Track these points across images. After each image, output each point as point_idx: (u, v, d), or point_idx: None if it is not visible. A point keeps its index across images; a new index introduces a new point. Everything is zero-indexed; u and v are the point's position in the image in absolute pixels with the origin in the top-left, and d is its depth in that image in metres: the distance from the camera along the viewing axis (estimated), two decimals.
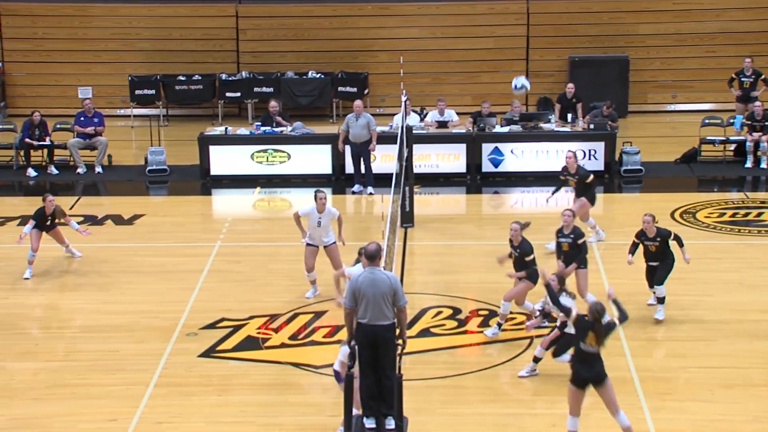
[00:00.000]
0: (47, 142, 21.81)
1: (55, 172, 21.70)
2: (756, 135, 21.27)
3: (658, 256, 14.19)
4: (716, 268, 15.93)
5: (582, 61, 24.98)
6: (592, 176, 17.03)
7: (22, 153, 21.85)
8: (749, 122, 21.47)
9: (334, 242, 15.19)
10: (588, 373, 10.95)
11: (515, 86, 20.67)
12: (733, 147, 22.01)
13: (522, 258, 13.93)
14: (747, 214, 18.59)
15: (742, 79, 22.90)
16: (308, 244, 15.19)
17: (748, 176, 21.14)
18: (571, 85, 22.51)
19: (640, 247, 14.32)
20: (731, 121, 22.19)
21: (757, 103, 21.67)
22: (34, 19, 25.64)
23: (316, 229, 15.08)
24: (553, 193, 17.34)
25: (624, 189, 20.87)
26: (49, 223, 16.39)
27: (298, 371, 13.30)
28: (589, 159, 20.99)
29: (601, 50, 25.25)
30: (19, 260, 16.27)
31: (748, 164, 21.35)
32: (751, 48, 24.18)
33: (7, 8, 25.62)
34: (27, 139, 21.71)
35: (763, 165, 21.23)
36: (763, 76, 22.79)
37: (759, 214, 18.65)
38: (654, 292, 14.27)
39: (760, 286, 15.37)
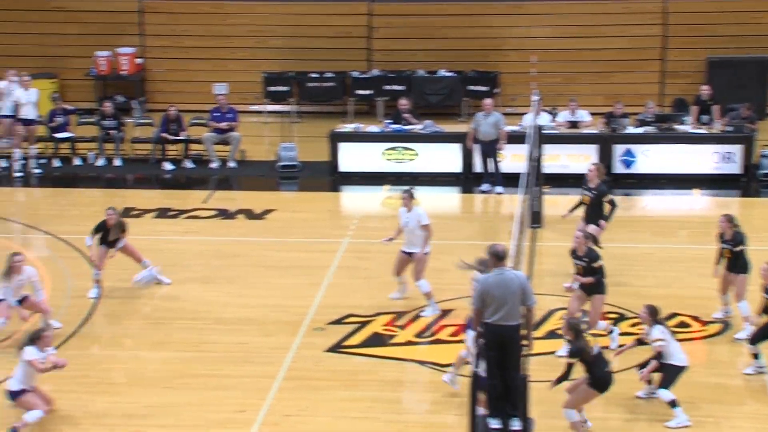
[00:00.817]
0: (183, 137, 22.34)
1: (190, 166, 22.21)
2: None
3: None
4: None
5: (720, 62, 24.38)
6: (610, 197, 15.83)
7: (159, 147, 22.42)
8: None
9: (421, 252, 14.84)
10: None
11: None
12: None
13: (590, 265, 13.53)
14: None
15: None
16: (401, 250, 15.04)
17: None
18: (706, 87, 21.99)
19: None
20: None
21: None
22: (173, 16, 26.28)
23: (405, 230, 14.97)
24: (570, 211, 16.28)
25: (762, 193, 20.29)
26: (113, 239, 15.53)
27: (424, 369, 13.32)
28: (726, 162, 20.49)
29: (741, 51, 24.59)
30: (156, 252, 16.68)
31: None
32: None
33: (149, 6, 26.32)
34: (164, 134, 22.26)
35: None
36: None
37: None
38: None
39: None
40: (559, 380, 11.75)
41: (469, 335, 11.66)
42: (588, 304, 13.58)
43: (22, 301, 13.96)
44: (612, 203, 15.67)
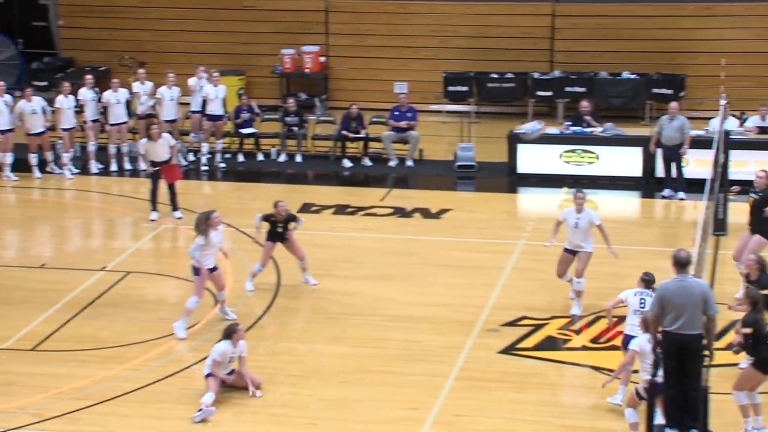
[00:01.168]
0: (363, 135, 22.60)
1: (369, 164, 22.44)
2: None
3: None
4: None
5: None
6: None
7: (339, 144, 22.75)
8: None
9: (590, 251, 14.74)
10: None
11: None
12: None
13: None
14: None
15: None
16: (565, 249, 14.88)
17: None
18: None
19: None
20: None
21: None
22: (358, 15, 26.62)
23: (574, 231, 14.76)
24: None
25: None
26: (281, 230, 15.65)
27: (598, 375, 13.08)
28: None
29: None
30: (333, 249, 16.93)
31: None
32: None
33: (334, 5, 26.74)
34: (344, 131, 22.57)
35: None
36: None
37: None
38: None
39: None
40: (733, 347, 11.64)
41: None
42: None
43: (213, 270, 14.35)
44: None
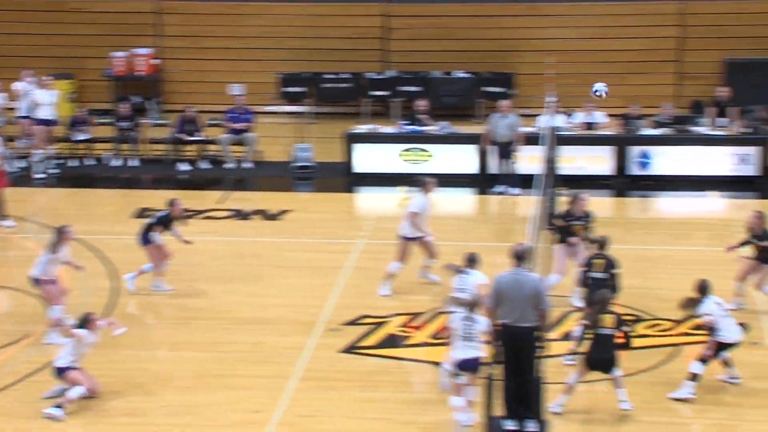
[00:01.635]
0: (199, 138, 22.39)
1: (206, 166, 22.26)
2: None
3: None
4: None
5: (738, 64, 24.31)
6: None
7: (175, 148, 22.48)
8: None
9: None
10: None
11: (595, 91, 18.23)
12: None
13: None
14: None
15: None
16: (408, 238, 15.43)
17: None
18: (724, 88, 21.94)
19: None
20: None
21: None
22: (191, 17, 26.34)
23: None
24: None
25: None
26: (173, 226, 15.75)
27: (439, 370, 13.30)
28: (742, 164, 20.45)
29: (758, 52, 24.50)
30: (173, 253, 16.71)
31: None
32: None
33: (166, 6, 26.38)
34: (180, 134, 22.32)
35: None
36: None
37: None
38: None
39: None
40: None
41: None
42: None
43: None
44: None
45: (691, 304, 12.27)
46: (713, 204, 20.07)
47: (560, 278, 15.17)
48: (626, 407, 11.71)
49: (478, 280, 12.74)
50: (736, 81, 23.31)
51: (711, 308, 12.17)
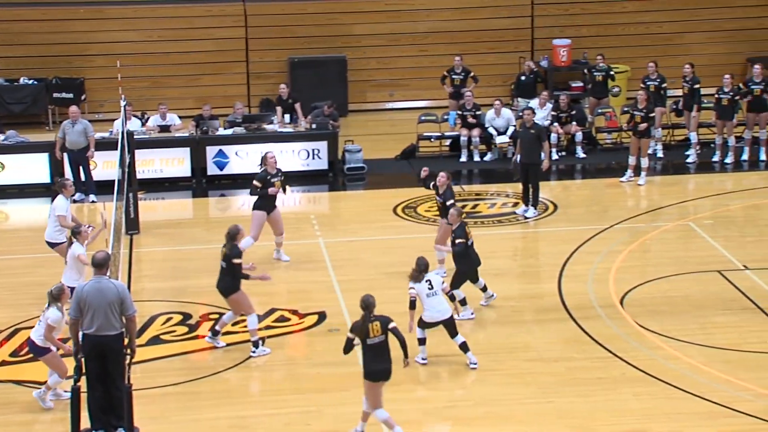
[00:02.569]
0: None
1: None
2: (469, 130, 22.23)
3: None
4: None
5: (301, 62, 25.27)
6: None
7: None
8: (461, 117, 22.40)
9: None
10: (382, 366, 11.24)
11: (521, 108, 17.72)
12: (448, 142, 22.91)
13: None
14: (463, 207, 19.36)
15: (453, 77, 23.84)
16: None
17: (464, 170, 22.05)
18: (283, 85, 22.70)
19: None
20: (445, 117, 23.09)
21: (468, 93, 22.57)
22: None
23: None
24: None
25: (348, 187, 21.28)
26: None
27: (21, 389, 12.76)
28: (313, 158, 21.30)
29: (320, 51, 25.62)
30: None
31: (463, 158, 22.27)
32: (460, 47, 25.21)
33: None
34: None
35: (476, 158, 22.21)
36: (472, 74, 23.81)
37: (475, 206, 19.52)
38: None
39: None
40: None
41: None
42: None
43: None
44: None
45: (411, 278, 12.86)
46: (289, 199, 20.73)
47: (252, 242, 15.78)
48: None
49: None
50: (302, 78, 24.21)
51: (420, 286, 12.83)
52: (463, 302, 14.39)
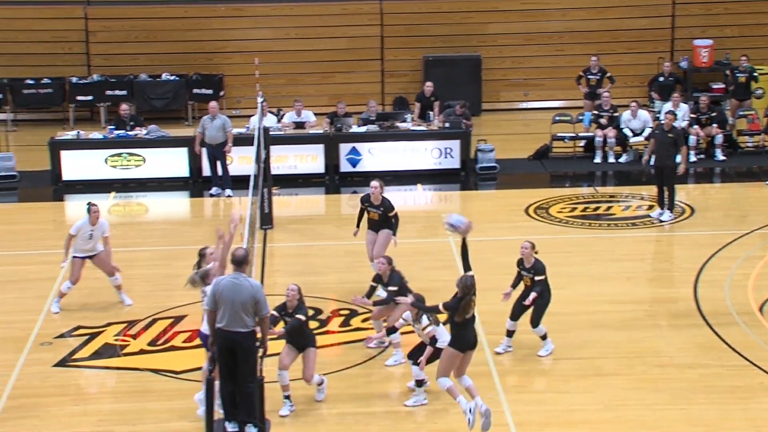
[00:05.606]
0: None
1: None
2: (604, 131, 21.93)
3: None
4: (568, 262, 16.34)
5: (435, 61, 25.30)
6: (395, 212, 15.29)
7: None
8: (597, 117, 22.12)
9: (102, 250, 14.96)
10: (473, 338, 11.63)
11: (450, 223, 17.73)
12: (582, 143, 22.65)
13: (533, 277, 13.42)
14: (597, 209, 19.14)
15: (589, 77, 23.55)
16: (74, 256, 14.91)
17: (598, 171, 21.76)
18: (429, 83, 22.78)
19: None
20: (580, 118, 22.82)
21: (606, 94, 22.29)
22: None
23: (87, 241, 14.84)
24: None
25: (479, 186, 21.23)
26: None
27: (159, 377, 13.11)
28: (445, 157, 21.31)
29: (454, 50, 25.61)
30: None
31: (597, 159, 21.98)
32: (596, 47, 24.90)
33: None
34: None
35: (611, 159, 21.90)
36: (608, 74, 23.48)
37: (608, 208, 19.23)
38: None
39: (608, 278, 15.86)
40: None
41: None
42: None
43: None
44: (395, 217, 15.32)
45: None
46: (420, 197, 20.80)
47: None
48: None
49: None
50: (435, 77, 24.23)
51: (427, 320, 12.29)
52: None
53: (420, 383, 12.29)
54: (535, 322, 13.41)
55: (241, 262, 10.90)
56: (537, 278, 13.30)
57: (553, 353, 13.33)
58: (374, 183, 15.16)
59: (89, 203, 14.94)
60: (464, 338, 11.65)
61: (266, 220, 18.26)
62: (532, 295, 13.20)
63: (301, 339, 12.14)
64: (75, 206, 20.52)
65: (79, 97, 24.61)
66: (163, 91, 24.79)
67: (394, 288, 12.99)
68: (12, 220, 19.20)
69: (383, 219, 15.22)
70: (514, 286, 13.52)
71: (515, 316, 13.51)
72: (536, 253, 13.42)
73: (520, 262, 13.49)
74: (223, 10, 25.55)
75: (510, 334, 13.59)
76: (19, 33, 24.90)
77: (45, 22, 25.02)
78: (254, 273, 15.17)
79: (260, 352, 11.00)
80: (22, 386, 12.83)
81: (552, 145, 22.48)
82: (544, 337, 13.51)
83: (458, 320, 11.59)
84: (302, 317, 12.03)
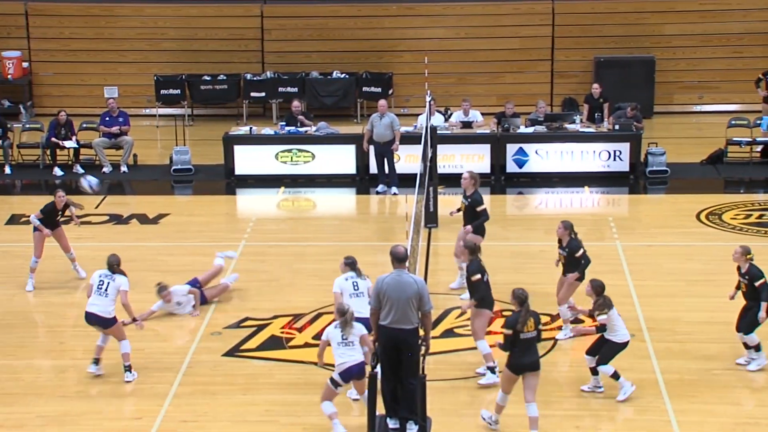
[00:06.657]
0: (73, 141, 21.93)
1: (81, 171, 21.78)
2: None
3: (748, 295, 13.00)
4: None
5: (607, 62, 24.89)
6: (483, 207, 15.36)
7: (48, 152, 21.98)
8: None
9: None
10: (529, 360, 11.31)
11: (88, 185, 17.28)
12: (759, 148, 21.89)
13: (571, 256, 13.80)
14: None
15: None
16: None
17: None
18: (596, 85, 22.45)
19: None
20: (758, 122, 22.07)
21: None
22: (61, 19, 25.79)
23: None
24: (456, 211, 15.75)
25: (649, 190, 20.79)
26: (59, 217, 16.05)
27: (323, 371, 13.30)
28: (614, 160, 20.95)
29: (627, 51, 25.15)
30: (49, 260, 16.31)
31: None
32: None
33: (34, 8, 25.78)
34: (53, 138, 21.83)
35: None
36: None
37: None
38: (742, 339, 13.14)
39: None
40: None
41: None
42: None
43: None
44: (484, 213, 15.40)
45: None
46: (587, 200, 20.50)
47: None
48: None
49: (368, 284, 12.71)
50: (606, 78, 23.84)
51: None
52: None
53: (614, 376, 12.20)
54: (749, 328, 12.88)
55: (402, 259, 10.98)
56: (756, 283, 12.78)
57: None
58: (465, 174, 15.36)
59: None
60: (517, 358, 11.33)
61: (431, 218, 18.30)
62: (764, 305, 12.67)
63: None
64: (246, 200, 21.07)
65: (253, 94, 25.21)
66: (334, 88, 25.15)
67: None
68: (187, 212, 19.81)
69: (470, 212, 15.22)
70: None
71: (745, 329, 12.92)
72: (750, 258, 12.92)
73: (738, 269, 13.03)
74: (395, 9, 25.74)
75: (757, 347, 13.02)
76: (198, 30, 25.67)
77: (224, 20, 25.72)
78: (418, 271, 15.25)
79: (422, 349, 11.03)
80: (194, 373, 13.23)
81: (727, 150, 21.81)
82: (757, 348, 13.02)
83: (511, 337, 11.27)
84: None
